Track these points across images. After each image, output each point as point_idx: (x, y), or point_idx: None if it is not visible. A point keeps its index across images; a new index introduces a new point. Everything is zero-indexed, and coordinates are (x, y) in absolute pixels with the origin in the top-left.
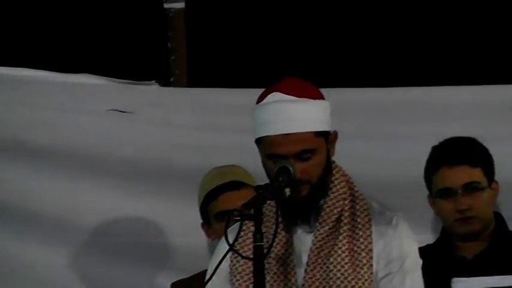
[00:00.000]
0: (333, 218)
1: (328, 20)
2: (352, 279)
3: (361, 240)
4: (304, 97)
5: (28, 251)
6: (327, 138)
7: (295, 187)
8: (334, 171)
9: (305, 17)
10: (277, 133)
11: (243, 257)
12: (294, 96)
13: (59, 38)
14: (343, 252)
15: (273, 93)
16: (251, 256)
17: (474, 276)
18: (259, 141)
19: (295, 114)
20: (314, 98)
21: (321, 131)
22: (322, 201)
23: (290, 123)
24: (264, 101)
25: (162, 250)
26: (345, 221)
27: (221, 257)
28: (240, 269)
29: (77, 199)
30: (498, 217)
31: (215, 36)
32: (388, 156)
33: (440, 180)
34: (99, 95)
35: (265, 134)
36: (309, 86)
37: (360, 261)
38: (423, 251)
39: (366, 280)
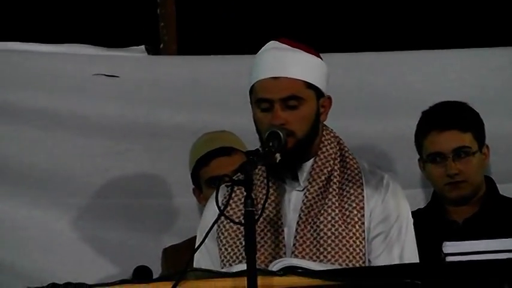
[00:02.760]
0: (323, 178)
1: None
2: (344, 237)
3: (352, 198)
4: (299, 49)
5: (19, 213)
6: (319, 97)
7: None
8: (324, 133)
9: None
10: (267, 76)
11: (235, 223)
12: (289, 46)
13: (48, 7)
14: (333, 210)
15: (270, 42)
16: (242, 220)
17: (465, 240)
18: (251, 91)
19: (288, 60)
20: (310, 53)
21: (313, 84)
22: (312, 161)
23: (281, 67)
24: (261, 50)
25: (153, 212)
26: (335, 179)
27: (212, 222)
28: (228, 229)
29: (65, 160)
30: (489, 181)
31: (205, 2)
32: (378, 115)
33: (430, 144)
34: (86, 63)
35: (256, 80)
36: (307, 46)
37: (351, 219)
38: (414, 215)
39: (357, 238)
